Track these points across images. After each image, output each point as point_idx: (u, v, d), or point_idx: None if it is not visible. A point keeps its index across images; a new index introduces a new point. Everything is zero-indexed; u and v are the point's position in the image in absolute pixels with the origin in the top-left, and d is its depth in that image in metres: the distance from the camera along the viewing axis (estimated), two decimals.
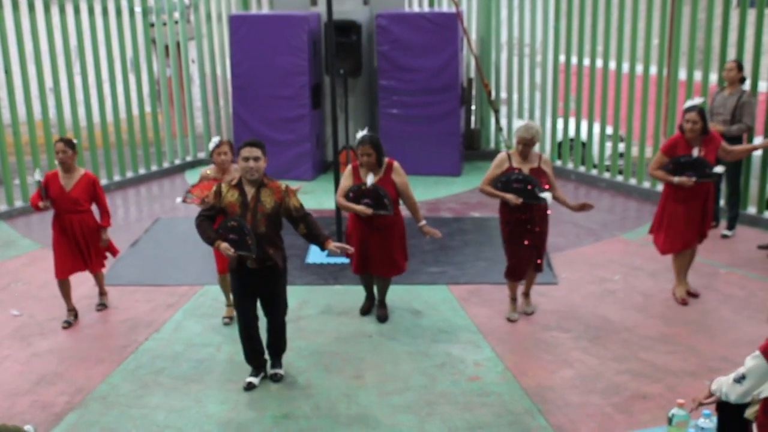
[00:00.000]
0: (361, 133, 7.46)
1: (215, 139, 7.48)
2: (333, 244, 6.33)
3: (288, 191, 6.33)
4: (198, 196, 7.47)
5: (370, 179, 7.32)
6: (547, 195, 7.34)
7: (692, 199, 7.87)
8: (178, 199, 7.69)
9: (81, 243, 7.90)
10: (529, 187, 7.35)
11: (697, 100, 7.86)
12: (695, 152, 7.70)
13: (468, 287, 8.60)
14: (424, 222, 7.54)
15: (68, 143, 7.75)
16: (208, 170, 7.66)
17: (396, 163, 7.50)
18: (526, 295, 8.00)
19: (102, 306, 8.27)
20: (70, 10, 12.11)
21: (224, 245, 6.21)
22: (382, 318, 7.84)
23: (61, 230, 7.85)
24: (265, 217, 6.26)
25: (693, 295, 8.20)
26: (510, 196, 7.35)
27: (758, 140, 10.39)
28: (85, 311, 8.14)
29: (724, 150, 7.96)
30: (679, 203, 7.92)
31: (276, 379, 6.74)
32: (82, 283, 8.49)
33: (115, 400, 6.55)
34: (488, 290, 8.43)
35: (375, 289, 8.05)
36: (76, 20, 12.15)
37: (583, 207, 7.49)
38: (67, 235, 7.84)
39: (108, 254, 8.24)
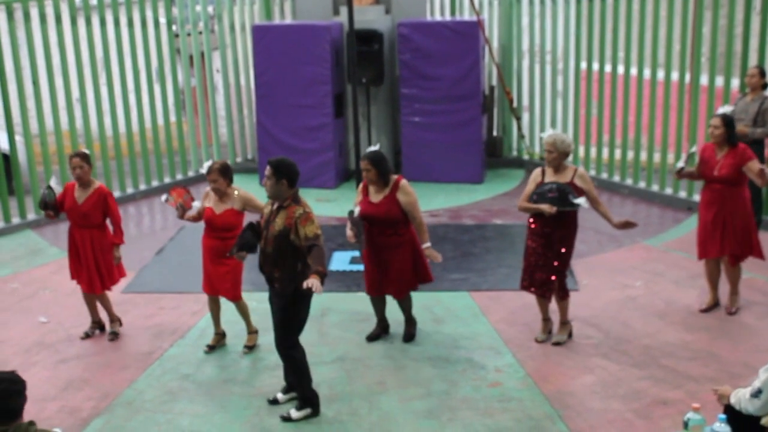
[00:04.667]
0: (369, 149, 7.45)
1: (206, 164, 7.37)
2: (310, 281, 5.87)
3: (300, 219, 6.06)
4: (174, 200, 7.53)
5: (357, 210, 7.27)
6: (581, 200, 7.12)
7: (710, 206, 7.90)
8: (164, 197, 7.67)
9: (90, 259, 7.72)
10: (561, 194, 7.14)
11: (727, 108, 7.91)
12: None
13: (489, 294, 8.64)
14: (428, 245, 7.35)
15: (84, 158, 7.68)
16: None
17: (403, 182, 7.35)
18: (562, 323, 7.62)
19: (113, 335, 7.91)
20: (96, 21, 12.27)
21: (234, 249, 6.42)
22: (407, 337, 7.69)
23: (71, 243, 7.80)
24: (273, 237, 6.16)
25: (729, 312, 8.02)
26: (545, 206, 7.12)
27: None
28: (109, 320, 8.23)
29: (750, 170, 7.64)
30: (702, 209, 8.02)
31: (283, 417, 6.39)
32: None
33: (141, 405, 6.66)
34: (509, 297, 8.47)
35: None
36: (102, 32, 12.30)
37: (627, 225, 7.32)
38: (76, 250, 7.76)
39: (119, 275, 7.98)
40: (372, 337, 7.75)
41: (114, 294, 8.72)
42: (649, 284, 8.79)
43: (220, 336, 7.69)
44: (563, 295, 7.51)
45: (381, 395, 6.71)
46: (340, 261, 9.59)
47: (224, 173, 7.28)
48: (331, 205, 11.95)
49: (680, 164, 8.09)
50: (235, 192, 7.34)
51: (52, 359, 7.49)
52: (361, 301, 8.38)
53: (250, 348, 7.58)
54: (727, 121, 7.70)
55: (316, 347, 7.52)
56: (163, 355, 7.54)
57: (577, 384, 6.80)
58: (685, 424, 4.76)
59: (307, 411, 6.37)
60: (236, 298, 7.49)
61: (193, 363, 7.36)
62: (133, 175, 12.90)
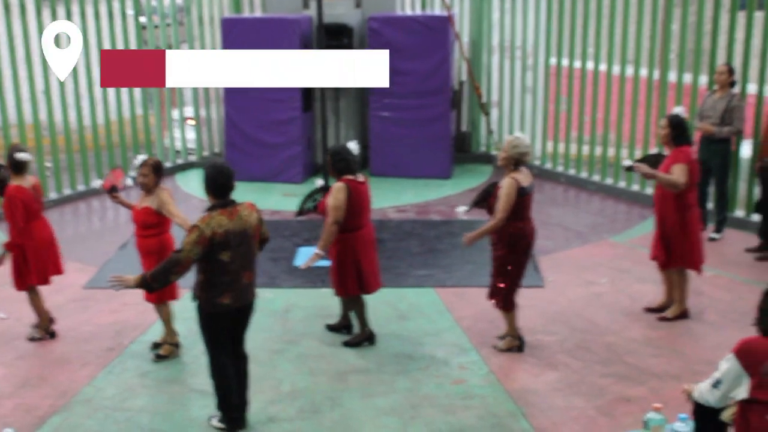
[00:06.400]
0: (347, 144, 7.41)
1: (140, 158, 7.16)
2: (121, 278, 5.99)
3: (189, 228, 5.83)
4: (110, 181, 7.49)
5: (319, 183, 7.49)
6: (458, 209, 7.50)
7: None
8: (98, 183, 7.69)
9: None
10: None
11: (679, 109, 7.75)
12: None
13: (455, 290, 8.60)
14: (318, 251, 7.10)
15: (9, 149, 7.51)
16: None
17: (336, 185, 7.08)
18: (507, 333, 7.44)
19: (31, 338, 7.69)
20: (61, 12, 12.11)
21: None
22: (345, 342, 7.56)
23: None
24: None
25: (659, 317, 7.92)
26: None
27: (745, 146, 10.39)
28: (70, 314, 8.13)
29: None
30: None
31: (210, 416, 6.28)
32: (64, 288, 8.47)
33: (100, 403, 6.57)
34: (475, 293, 8.41)
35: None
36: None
37: (468, 241, 7.15)
38: None
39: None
40: (332, 327, 7.75)
41: (75, 289, 8.65)
42: (615, 281, 8.79)
43: (174, 346, 7.47)
44: (500, 306, 7.27)
45: (343, 392, 6.65)
46: (306, 257, 9.48)
47: (156, 170, 7.09)
48: (298, 200, 11.82)
49: (627, 162, 8.07)
50: (160, 191, 7.10)
51: (10, 356, 7.36)
52: (326, 297, 8.32)
53: (159, 355, 7.33)
54: (674, 122, 7.53)
55: (279, 343, 7.47)
56: (123, 351, 7.44)
57: (541, 381, 6.78)
58: (646, 424, 4.75)
59: (222, 426, 6.16)
60: (153, 300, 7.19)
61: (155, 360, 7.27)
62: (98, 169, 12.73)
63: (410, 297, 8.47)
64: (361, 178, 7.26)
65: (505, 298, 7.19)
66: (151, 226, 7.09)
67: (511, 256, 7.07)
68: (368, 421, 6.25)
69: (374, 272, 7.43)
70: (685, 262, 7.70)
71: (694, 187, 7.66)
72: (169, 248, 7.04)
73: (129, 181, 7.53)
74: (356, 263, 7.23)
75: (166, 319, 7.31)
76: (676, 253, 7.65)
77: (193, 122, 14.28)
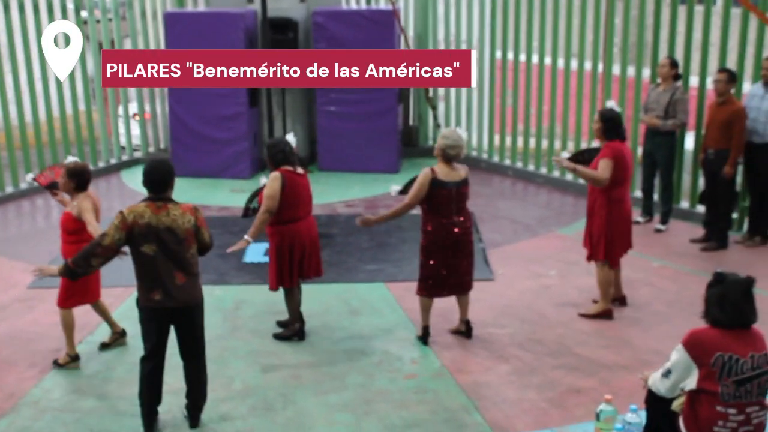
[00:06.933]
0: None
1: (69, 159, 7.03)
2: (43, 270, 5.97)
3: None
4: (48, 178, 7.36)
5: (263, 180, 7.35)
6: (392, 187, 7.89)
7: None
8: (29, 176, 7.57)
9: None
10: None
11: (611, 103, 7.78)
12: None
13: (405, 284, 8.58)
14: (247, 238, 7.01)
15: None
16: None
17: (273, 174, 7.10)
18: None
19: None
20: None
21: None
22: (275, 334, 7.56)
23: None
24: None
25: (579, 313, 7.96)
26: None
27: (689, 138, 10.57)
28: (15, 314, 7.99)
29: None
30: None
31: None
32: (9, 287, 8.31)
33: (48, 404, 6.45)
34: None
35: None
36: (5, 17, 11.91)
37: (362, 222, 7.33)
38: None
39: None
40: (282, 324, 7.72)
41: (20, 289, 8.50)
42: (563, 273, 8.87)
43: (118, 335, 7.43)
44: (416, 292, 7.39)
45: (296, 389, 6.62)
46: (255, 253, 9.46)
47: (71, 175, 6.86)
48: (245, 196, 11.74)
49: (565, 154, 8.03)
50: (82, 198, 6.89)
51: None
52: (276, 293, 8.26)
53: (57, 362, 7.07)
54: (605, 116, 7.50)
55: (229, 341, 7.41)
56: None
57: (493, 374, 6.81)
58: (597, 416, 4.80)
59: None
60: (58, 304, 7.04)
61: (103, 360, 7.16)
62: (41, 166, 12.50)
63: (361, 292, 8.46)
64: (300, 170, 7.23)
65: (419, 284, 7.29)
66: (73, 232, 6.92)
67: (426, 250, 7.21)
68: (321, 417, 6.22)
69: (304, 265, 7.32)
70: (606, 255, 7.63)
71: (624, 182, 7.59)
72: None
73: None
74: (290, 256, 7.21)
75: (66, 324, 7.03)
76: (598, 246, 7.62)
77: (137, 118, 14.11)
